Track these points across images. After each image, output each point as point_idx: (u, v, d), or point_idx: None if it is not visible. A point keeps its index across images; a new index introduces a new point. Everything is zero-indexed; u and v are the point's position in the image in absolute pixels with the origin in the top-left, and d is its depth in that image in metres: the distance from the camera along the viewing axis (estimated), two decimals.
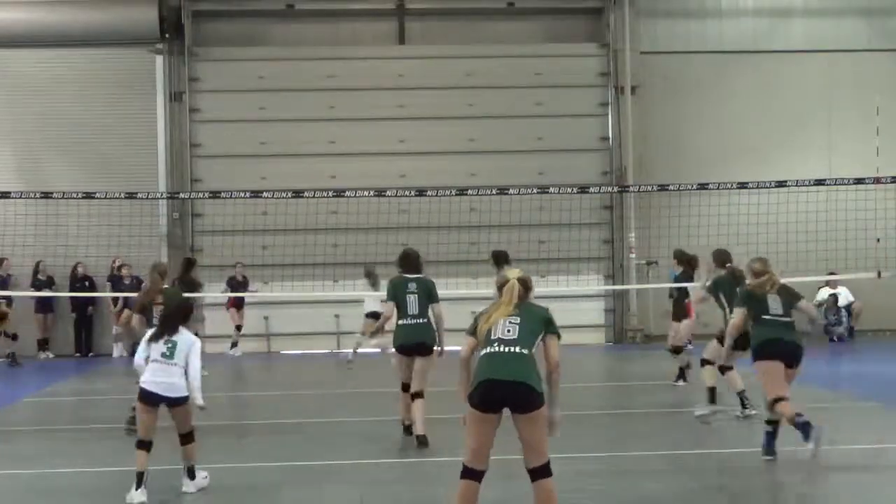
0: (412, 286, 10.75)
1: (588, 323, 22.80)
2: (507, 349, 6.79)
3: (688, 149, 23.07)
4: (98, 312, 22.12)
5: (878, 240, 20.12)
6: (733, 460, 9.95)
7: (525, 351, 6.81)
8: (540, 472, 6.75)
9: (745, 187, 17.18)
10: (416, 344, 10.66)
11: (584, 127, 23.31)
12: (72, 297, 21.43)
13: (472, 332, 7.09)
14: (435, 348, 10.74)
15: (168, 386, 8.48)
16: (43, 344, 21.78)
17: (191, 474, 8.75)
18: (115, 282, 21.47)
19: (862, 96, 23.27)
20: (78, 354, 21.75)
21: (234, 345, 21.36)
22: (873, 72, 23.49)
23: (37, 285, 21.39)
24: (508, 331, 6.85)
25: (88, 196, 17.46)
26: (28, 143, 22.44)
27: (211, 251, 21.59)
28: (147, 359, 8.59)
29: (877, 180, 16.94)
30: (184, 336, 8.62)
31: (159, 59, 22.71)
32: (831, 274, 20.50)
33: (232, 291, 20.82)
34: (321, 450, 10.80)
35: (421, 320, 10.67)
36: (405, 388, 10.79)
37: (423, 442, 10.36)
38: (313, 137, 22.62)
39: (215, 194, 18.79)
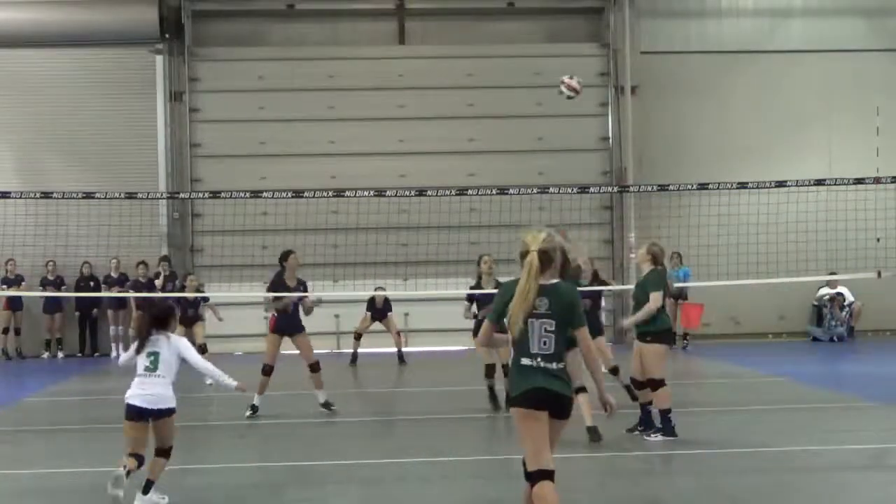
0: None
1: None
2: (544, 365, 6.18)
3: (688, 149, 23.07)
4: (102, 312, 22.06)
5: (878, 240, 20.13)
6: (732, 460, 9.94)
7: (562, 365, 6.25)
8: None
9: (745, 187, 17.15)
10: None
11: (584, 127, 23.30)
12: (77, 298, 21.31)
13: (498, 318, 6.39)
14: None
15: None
16: (49, 344, 21.78)
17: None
18: (111, 283, 21.46)
19: (862, 96, 23.30)
20: (80, 354, 21.72)
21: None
22: (873, 72, 23.50)
23: (44, 285, 21.38)
24: (544, 342, 6.20)
25: (88, 196, 17.44)
26: (28, 143, 22.43)
27: (211, 251, 21.58)
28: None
29: (877, 180, 16.92)
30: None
31: (159, 59, 22.71)
32: (831, 274, 20.51)
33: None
34: (322, 450, 10.80)
35: None
36: None
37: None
38: (313, 137, 22.63)
39: (215, 194, 18.76)
